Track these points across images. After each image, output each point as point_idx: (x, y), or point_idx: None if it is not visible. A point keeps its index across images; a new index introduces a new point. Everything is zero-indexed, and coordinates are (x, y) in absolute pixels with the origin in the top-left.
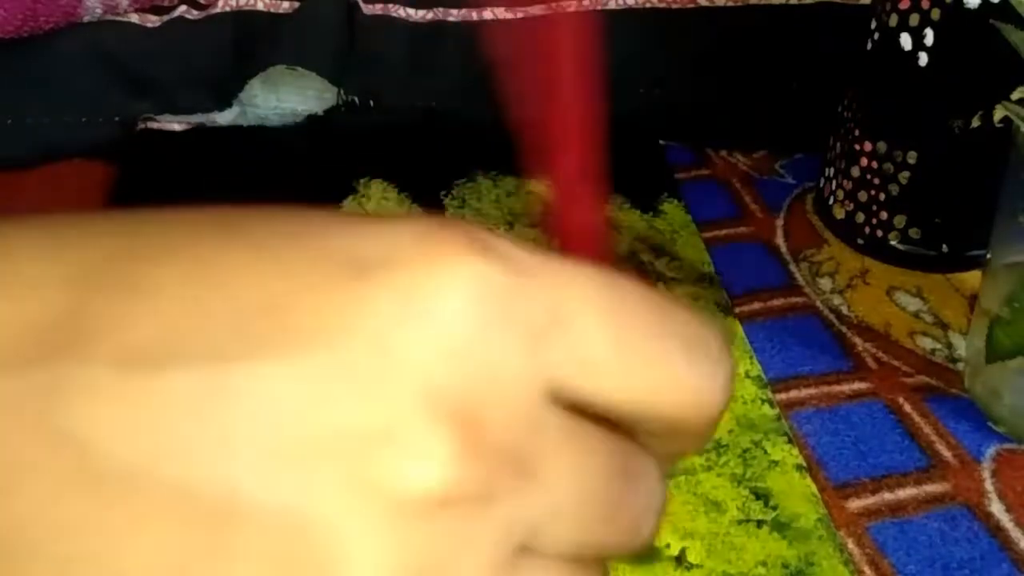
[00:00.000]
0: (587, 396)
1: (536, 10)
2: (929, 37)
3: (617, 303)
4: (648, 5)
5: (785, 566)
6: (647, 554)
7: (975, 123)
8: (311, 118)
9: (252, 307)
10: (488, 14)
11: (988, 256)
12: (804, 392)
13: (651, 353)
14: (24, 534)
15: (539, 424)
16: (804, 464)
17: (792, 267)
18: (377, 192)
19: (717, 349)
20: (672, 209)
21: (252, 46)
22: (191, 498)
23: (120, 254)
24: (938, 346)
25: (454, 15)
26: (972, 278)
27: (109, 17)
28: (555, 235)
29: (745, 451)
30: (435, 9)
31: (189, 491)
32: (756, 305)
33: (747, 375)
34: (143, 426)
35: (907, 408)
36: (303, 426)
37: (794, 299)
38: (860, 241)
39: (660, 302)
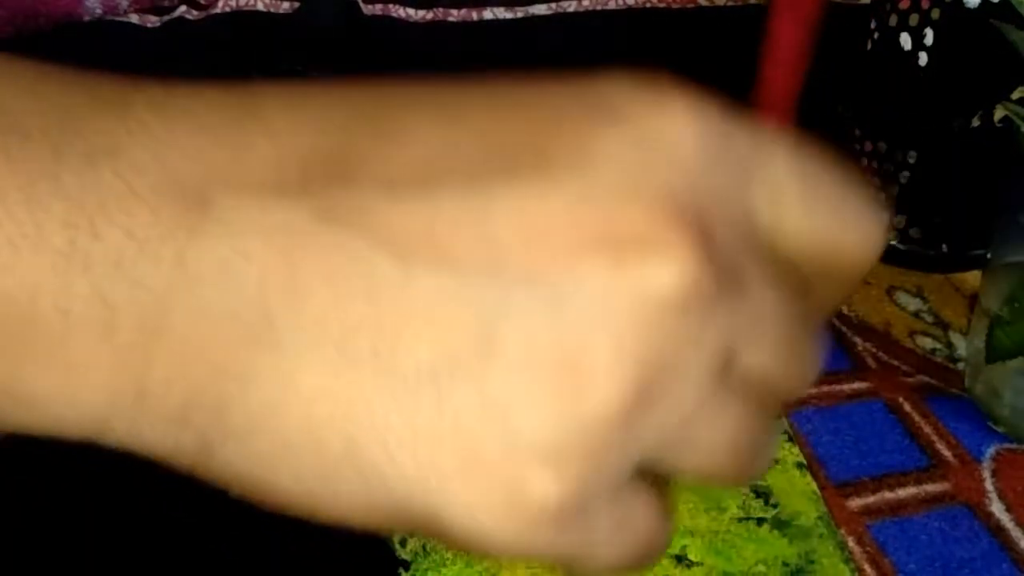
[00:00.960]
0: (776, 229)
1: (537, 9)
2: (929, 37)
3: (804, 159)
4: (648, 5)
5: (785, 564)
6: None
7: (975, 123)
8: None
9: (502, 142)
10: (488, 14)
11: (988, 256)
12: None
13: (829, 200)
14: (312, 331)
15: (749, 249)
16: (804, 462)
17: None
18: None
19: (874, 207)
20: None
21: (252, 46)
22: (460, 302)
23: (365, 107)
24: (938, 346)
25: (454, 15)
26: (972, 278)
27: (109, 17)
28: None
29: None
30: (435, 9)
31: (459, 296)
32: None
33: None
34: (413, 239)
35: (907, 408)
36: (564, 231)
37: None
38: None
39: (835, 167)
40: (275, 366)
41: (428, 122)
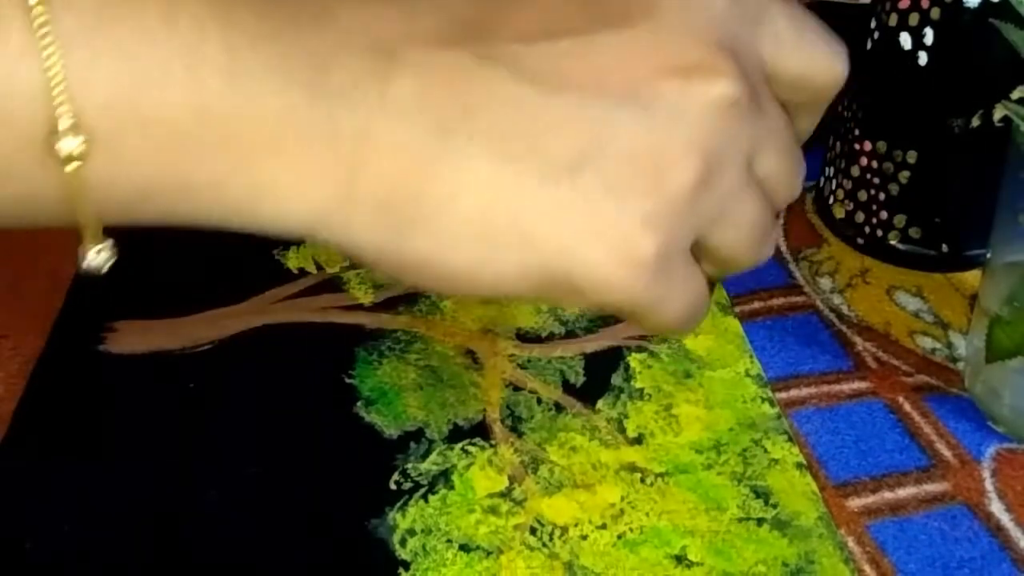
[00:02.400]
0: (775, 65)
1: None
2: (929, 37)
3: (792, 9)
4: None
5: (785, 564)
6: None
7: (975, 123)
8: None
9: (597, 3)
10: None
11: (988, 256)
12: (804, 391)
13: (812, 40)
14: (480, 138)
15: (762, 79)
16: (804, 463)
17: (792, 266)
18: None
19: (839, 41)
20: None
21: None
22: (582, 115)
23: None
24: (938, 346)
25: None
26: (972, 278)
27: None
28: None
29: (745, 450)
30: None
31: (581, 111)
32: (756, 304)
33: (747, 374)
34: (545, 73)
35: (907, 408)
36: (647, 64)
37: (794, 298)
38: (860, 241)
39: (815, 18)
40: (455, 165)
41: None
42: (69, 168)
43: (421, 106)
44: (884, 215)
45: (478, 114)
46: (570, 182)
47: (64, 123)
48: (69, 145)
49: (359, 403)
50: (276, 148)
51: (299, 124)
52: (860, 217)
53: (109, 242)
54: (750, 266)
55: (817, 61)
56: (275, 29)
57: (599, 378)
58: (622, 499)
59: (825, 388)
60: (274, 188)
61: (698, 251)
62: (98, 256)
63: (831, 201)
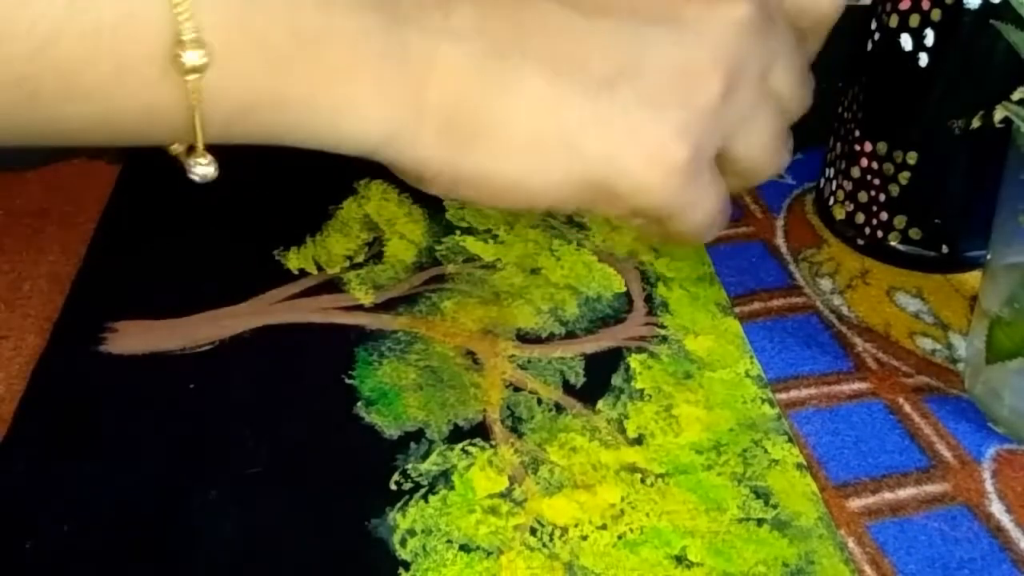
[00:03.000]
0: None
1: None
2: (929, 37)
3: None
4: None
5: (785, 565)
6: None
7: (975, 123)
8: None
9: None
10: None
11: (988, 256)
12: (804, 392)
13: None
14: (534, 61)
15: (777, 2)
16: (804, 463)
17: (792, 267)
18: (377, 193)
19: None
20: None
21: None
22: (620, 37)
23: None
24: (938, 346)
25: None
26: (972, 279)
27: None
28: None
29: (745, 450)
30: None
31: (618, 33)
32: (756, 305)
33: (747, 375)
34: (588, 2)
35: (907, 408)
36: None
37: (794, 299)
38: (860, 241)
39: None
40: (510, 84)
41: None
42: (190, 79)
43: (480, 31)
44: (884, 216)
45: (530, 38)
46: (610, 96)
47: (188, 36)
48: (192, 58)
49: (359, 403)
50: (356, 68)
51: (375, 47)
52: (860, 218)
53: (211, 158)
54: (768, 175)
55: None
56: None
57: (599, 379)
58: (622, 500)
59: (825, 389)
60: (353, 106)
61: (722, 164)
62: (207, 167)
63: (831, 202)
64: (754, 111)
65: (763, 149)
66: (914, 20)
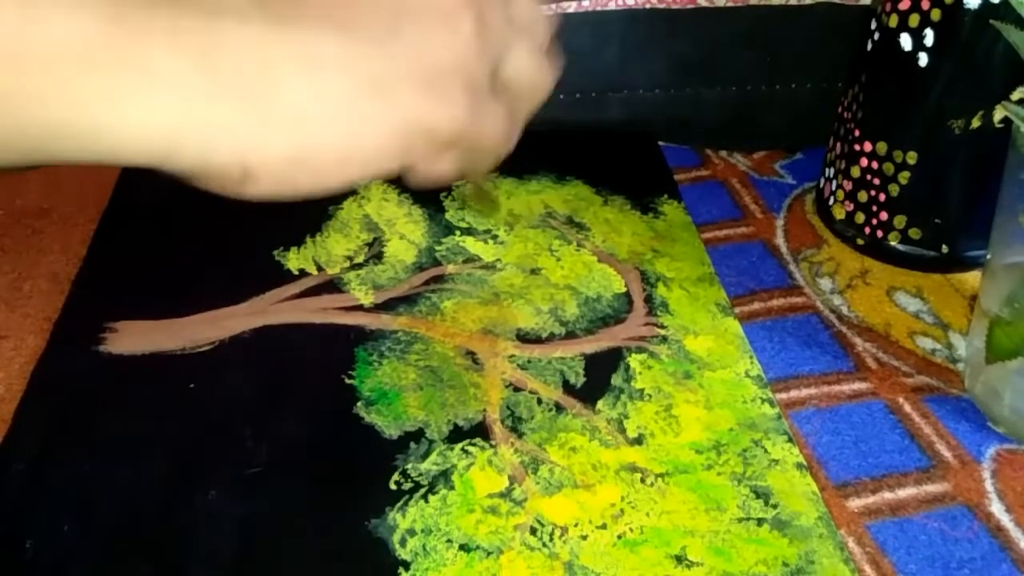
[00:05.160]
0: None
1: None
2: (929, 37)
3: None
4: (648, 6)
5: (785, 564)
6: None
7: (975, 123)
8: None
9: None
10: None
11: (988, 256)
12: (804, 392)
13: None
14: (315, 18)
15: None
16: (804, 463)
17: (792, 267)
18: (377, 193)
19: None
20: (671, 210)
21: None
22: (353, 34)
23: None
24: (938, 346)
25: None
26: (972, 278)
27: None
28: None
29: (745, 450)
30: None
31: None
32: (756, 305)
33: (747, 375)
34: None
35: (907, 408)
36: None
37: (794, 299)
38: (860, 241)
39: None
40: (301, 51)
41: None
42: None
43: (257, 4)
44: (884, 216)
45: (303, 5)
46: (397, 40)
47: None
48: None
49: (359, 403)
50: (101, 67)
51: (125, 40)
52: (860, 218)
53: None
54: (542, 92)
55: None
56: None
57: (599, 379)
58: (622, 499)
59: (825, 389)
60: (115, 112)
61: (497, 92)
62: None
63: (831, 202)
64: (506, 37)
65: (528, 68)
66: (914, 20)
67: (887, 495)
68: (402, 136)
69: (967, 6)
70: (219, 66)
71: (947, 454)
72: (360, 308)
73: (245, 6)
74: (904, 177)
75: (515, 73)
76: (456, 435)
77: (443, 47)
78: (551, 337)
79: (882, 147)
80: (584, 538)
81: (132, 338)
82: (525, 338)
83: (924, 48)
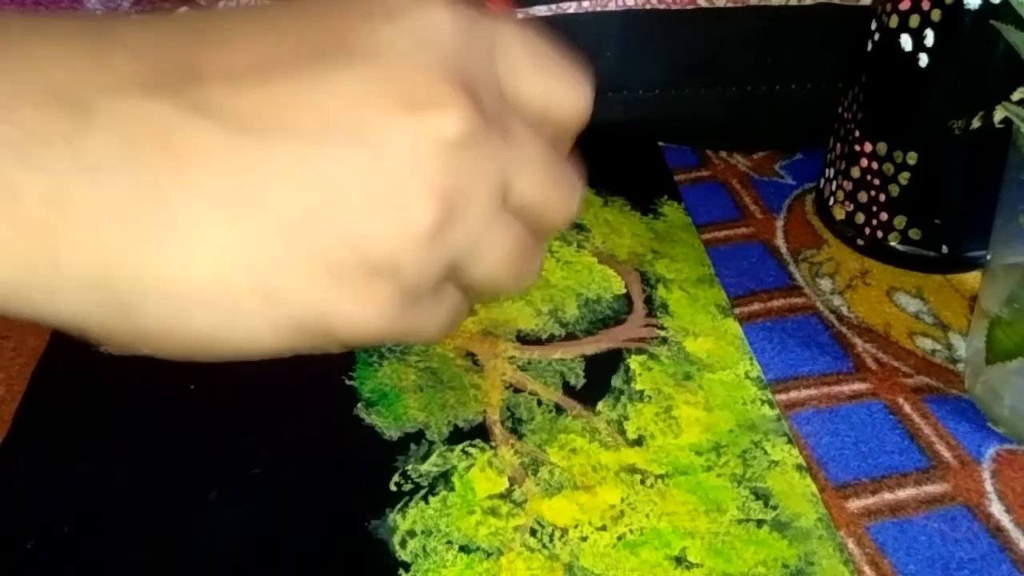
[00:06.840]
0: (516, 94)
1: (538, 10)
2: (929, 38)
3: (528, 37)
4: (648, 6)
5: (785, 566)
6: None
7: (975, 123)
8: None
9: (313, 40)
10: None
11: (988, 257)
12: (804, 393)
13: (550, 66)
14: (202, 198)
15: (506, 105)
16: (804, 464)
17: (792, 268)
18: None
19: (583, 75)
20: (671, 211)
21: None
22: (308, 162)
23: (200, 25)
24: (938, 347)
25: None
26: (972, 279)
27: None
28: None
29: (745, 451)
30: None
31: (306, 157)
32: (756, 306)
33: (747, 375)
34: (260, 118)
35: (907, 408)
36: (373, 100)
37: (794, 300)
38: (860, 242)
39: (546, 45)
40: (177, 228)
41: (252, 31)
42: None
43: (126, 165)
44: (884, 216)
45: (193, 169)
46: (307, 235)
47: None
48: None
49: (359, 405)
50: None
51: None
52: (860, 218)
53: None
54: (517, 289)
55: (557, 91)
56: None
57: (599, 380)
58: (622, 501)
59: (825, 389)
60: None
61: (457, 281)
62: None
63: (831, 202)
64: (486, 235)
65: (500, 272)
66: (914, 20)
67: (887, 496)
68: (295, 336)
69: (967, 6)
70: (62, 238)
71: (947, 454)
72: None
73: (115, 166)
74: (904, 177)
75: (481, 274)
76: (456, 436)
77: (376, 247)
78: (551, 338)
79: (882, 147)
80: (584, 539)
81: None
82: (525, 339)
83: (924, 48)
